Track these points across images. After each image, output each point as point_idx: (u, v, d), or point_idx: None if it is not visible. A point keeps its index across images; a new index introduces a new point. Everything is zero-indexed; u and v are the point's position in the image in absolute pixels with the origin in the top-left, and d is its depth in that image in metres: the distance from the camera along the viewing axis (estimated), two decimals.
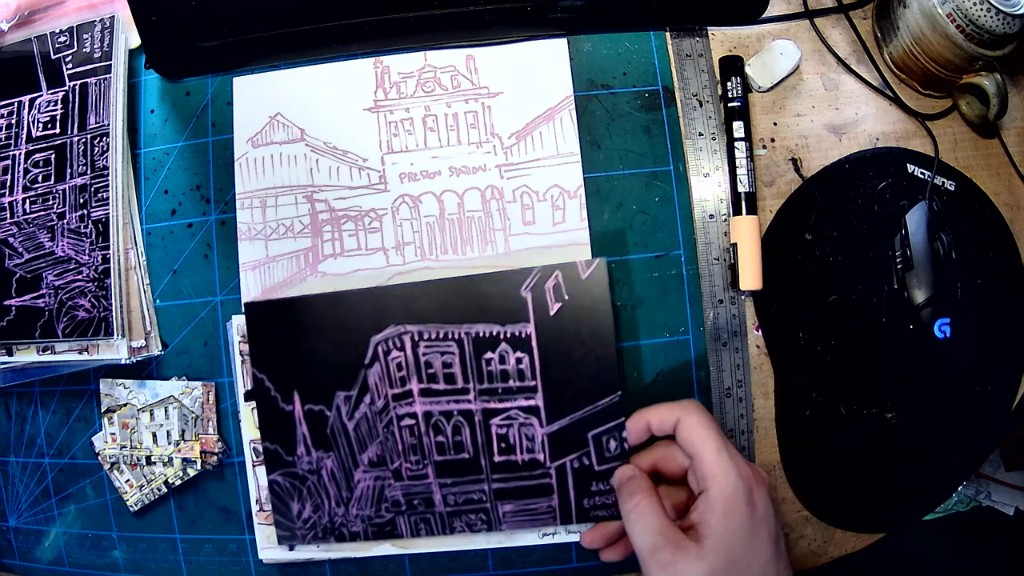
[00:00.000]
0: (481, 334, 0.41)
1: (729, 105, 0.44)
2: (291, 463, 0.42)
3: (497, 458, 0.41)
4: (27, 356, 0.44)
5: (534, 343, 0.40)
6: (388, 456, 0.41)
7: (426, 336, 0.41)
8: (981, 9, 0.40)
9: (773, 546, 0.34)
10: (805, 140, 0.45)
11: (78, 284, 0.43)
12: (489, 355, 0.40)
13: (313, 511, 0.42)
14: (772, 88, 0.45)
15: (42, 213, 0.44)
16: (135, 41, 0.45)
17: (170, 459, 0.44)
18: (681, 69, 0.45)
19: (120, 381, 0.45)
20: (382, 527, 0.42)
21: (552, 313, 0.40)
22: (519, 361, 0.40)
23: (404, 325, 0.41)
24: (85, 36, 0.45)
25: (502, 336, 0.40)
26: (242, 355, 0.43)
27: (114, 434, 0.45)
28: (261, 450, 0.43)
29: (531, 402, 0.40)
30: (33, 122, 0.45)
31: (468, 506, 0.41)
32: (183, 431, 0.44)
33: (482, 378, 0.41)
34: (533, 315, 0.40)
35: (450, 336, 0.41)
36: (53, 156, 0.44)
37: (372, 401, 0.41)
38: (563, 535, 0.43)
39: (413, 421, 0.41)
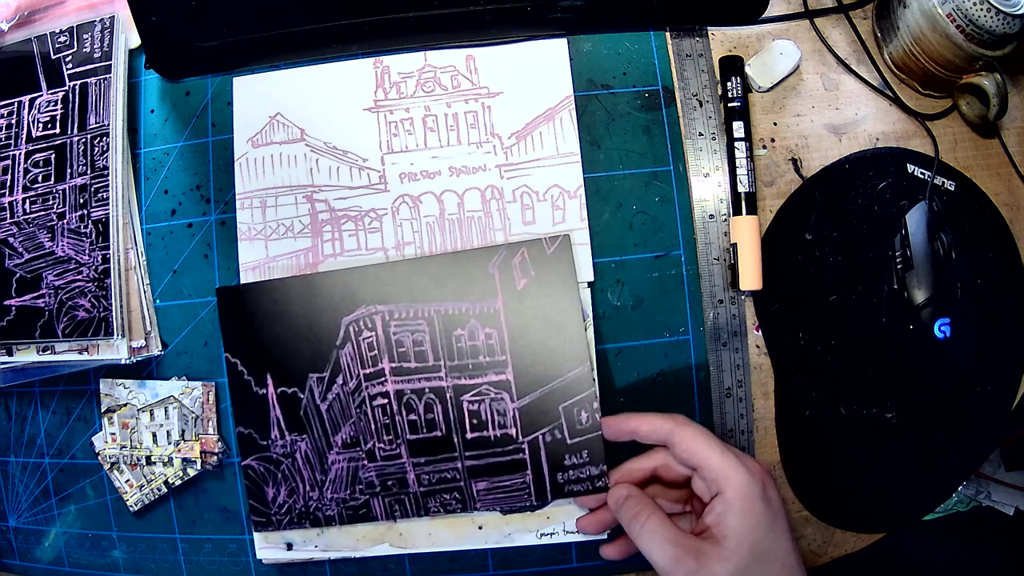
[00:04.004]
0: (450, 311, 0.41)
1: (729, 105, 0.44)
2: (265, 447, 0.42)
3: (469, 435, 0.41)
4: (27, 356, 0.44)
5: (502, 318, 0.41)
6: (361, 436, 0.42)
7: (396, 315, 0.41)
8: (981, 9, 0.40)
9: (790, 536, 0.35)
10: (805, 140, 0.46)
11: (78, 284, 0.43)
12: (459, 332, 0.41)
13: (288, 496, 0.42)
14: (772, 88, 0.45)
15: (42, 213, 0.44)
16: (135, 41, 0.45)
17: (170, 459, 0.44)
18: (681, 69, 0.45)
19: (120, 381, 0.45)
20: (357, 510, 0.42)
21: (519, 288, 0.41)
22: (488, 336, 0.41)
23: (374, 305, 0.41)
24: (85, 36, 0.45)
25: (471, 312, 0.41)
26: None
27: (114, 434, 0.45)
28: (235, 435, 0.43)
29: (501, 377, 0.41)
30: (33, 122, 0.45)
31: (442, 485, 0.42)
32: (183, 431, 0.44)
33: (452, 355, 0.41)
34: (501, 291, 0.41)
35: (420, 314, 0.41)
36: (53, 156, 0.44)
37: (344, 382, 0.42)
38: (562, 535, 0.43)
39: (385, 400, 0.41)
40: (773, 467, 0.44)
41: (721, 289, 0.44)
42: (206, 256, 0.45)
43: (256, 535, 0.44)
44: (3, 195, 0.45)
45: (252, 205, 0.44)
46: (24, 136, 0.45)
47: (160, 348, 0.45)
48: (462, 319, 0.41)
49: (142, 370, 0.45)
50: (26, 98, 0.45)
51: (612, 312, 0.44)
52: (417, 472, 0.42)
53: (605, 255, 0.44)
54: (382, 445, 0.42)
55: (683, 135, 0.45)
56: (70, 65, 0.45)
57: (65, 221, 0.44)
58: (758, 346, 0.44)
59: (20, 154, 0.45)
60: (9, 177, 0.45)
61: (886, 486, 0.45)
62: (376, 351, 0.41)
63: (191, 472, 0.44)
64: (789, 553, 0.35)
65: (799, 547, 0.36)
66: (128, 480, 0.45)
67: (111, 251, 0.43)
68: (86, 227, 0.43)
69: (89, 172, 0.44)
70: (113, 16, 0.45)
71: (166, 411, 0.44)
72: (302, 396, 0.42)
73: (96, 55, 0.45)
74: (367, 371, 0.42)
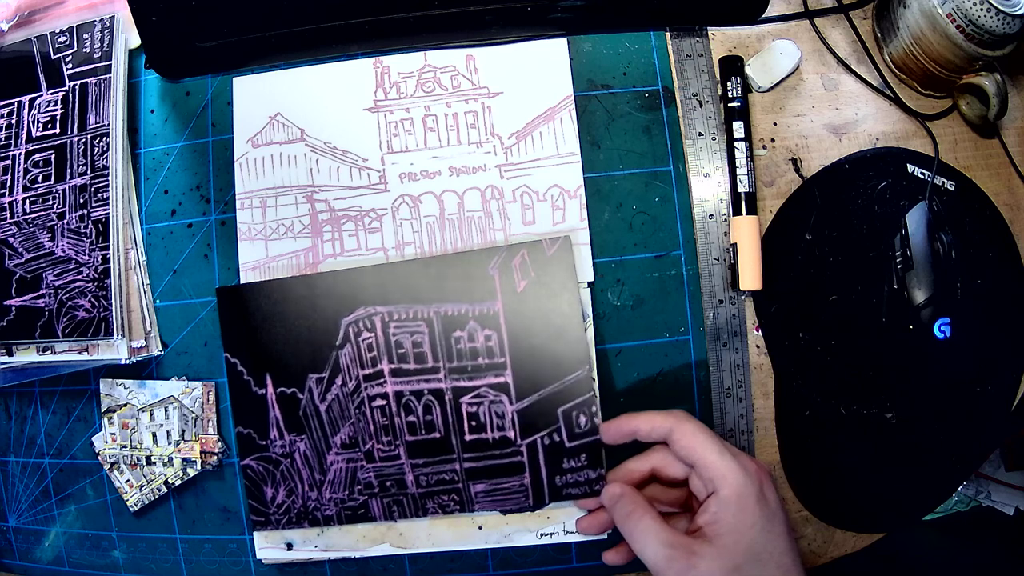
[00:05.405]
0: (450, 312, 0.41)
1: (729, 105, 0.44)
2: (264, 447, 0.42)
3: (468, 437, 0.41)
4: (27, 356, 0.44)
5: (502, 320, 0.41)
6: (360, 437, 0.42)
7: (396, 316, 0.41)
8: (981, 9, 0.40)
9: (787, 536, 0.35)
10: (805, 140, 0.45)
11: (78, 284, 0.43)
12: (458, 333, 0.41)
13: (287, 496, 0.42)
14: (772, 88, 0.45)
15: (42, 213, 0.44)
16: (135, 41, 0.45)
17: (170, 459, 0.44)
18: (681, 69, 0.45)
19: (120, 381, 0.45)
20: (355, 510, 0.42)
21: (519, 290, 0.41)
22: (488, 338, 0.41)
23: (374, 306, 0.41)
24: (85, 36, 0.45)
25: (470, 314, 0.41)
26: None
27: (114, 434, 0.45)
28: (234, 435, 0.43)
29: (500, 379, 0.41)
30: (33, 122, 0.45)
31: (440, 487, 0.42)
32: (183, 431, 0.44)
33: (451, 356, 0.41)
34: (500, 293, 0.41)
35: (419, 315, 0.41)
36: (53, 156, 0.44)
37: (343, 383, 0.42)
38: (562, 535, 0.43)
39: (384, 401, 0.41)
40: (773, 467, 0.44)
41: (721, 289, 0.44)
42: (206, 256, 0.45)
43: (256, 535, 0.44)
44: (3, 195, 0.44)
45: (252, 205, 0.44)
46: (24, 136, 0.45)
47: (160, 348, 0.45)
48: (461, 320, 0.41)
49: (142, 370, 0.45)
50: (26, 98, 0.45)
51: (612, 312, 0.44)
52: (416, 473, 0.42)
53: (605, 255, 0.44)
54: (381, 446, 0.42)
55: (683, 135, 0.45)
56: (70, 65, 0.45)
57: (65, 221, 0.44)
58: (758, 346, 0.44)
59: (20, 154, 0.45)
60: (9, 177, 0.45)
61: (886, 486, 0.45)
62: (375, 352, 0.41)
63: (191, 472, 0.44)
64: (785, 553, 0.34)
65: (798, 547, 0.36)
66: (128, 480, 0.45)
67: (111, 251, 0.43)
68: (86, 227, 0.43)
69: (89, 172, 0.44)
70: (113, 16, 0.45)
71: (166, 411, 0.44)
72: (301, 396, 0.42)
73: (96, 55, 0.45)
74: (366, 372, 0.42)
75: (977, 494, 0.72)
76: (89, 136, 0.44)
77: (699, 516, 0.36)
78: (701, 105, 0.45)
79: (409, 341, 0.41)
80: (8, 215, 0.44)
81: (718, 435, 0.37)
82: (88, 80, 0.45)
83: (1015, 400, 0.45)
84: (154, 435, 0.44)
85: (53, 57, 0.45)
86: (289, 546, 0.43)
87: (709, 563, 0.33)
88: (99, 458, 0.45)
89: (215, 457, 0.44)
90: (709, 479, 0.35)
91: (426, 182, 0.44)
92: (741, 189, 0.43)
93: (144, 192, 0.46)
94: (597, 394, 0.41)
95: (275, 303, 0.42)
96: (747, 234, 0.42)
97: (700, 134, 0.45)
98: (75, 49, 0.45)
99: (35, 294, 0.43)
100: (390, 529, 0.43)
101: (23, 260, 0.44)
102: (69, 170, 0.44)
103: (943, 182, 0.45)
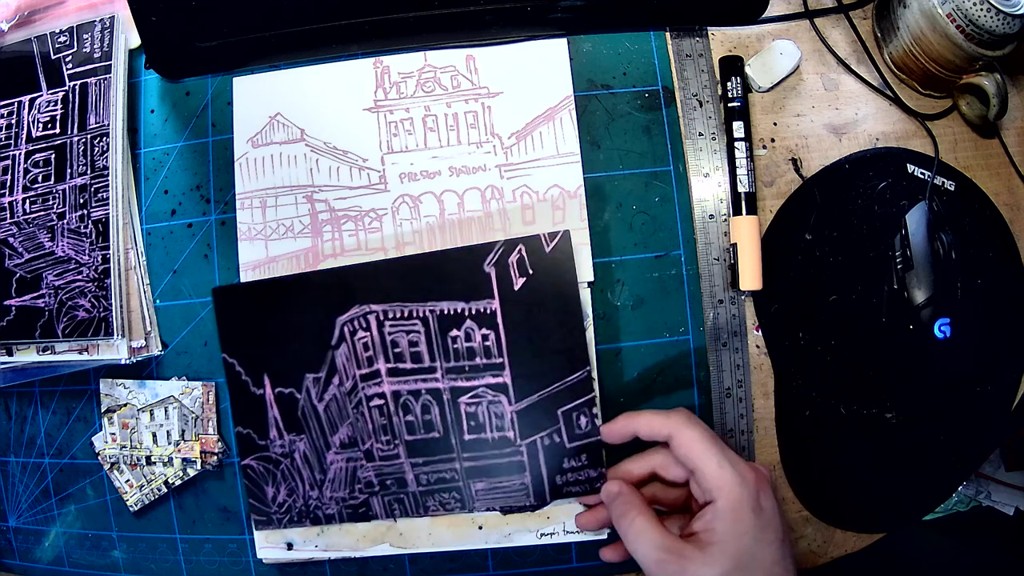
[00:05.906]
0: (446, 311, 0.41)
1: (729, 105, 0.44)
2: (264, 447, 0.42)
3: (467, 436, 0.41)
4: (27, 356, 0.44)
5: (499, 319, 0.40)
6: (359, 437, 0.42)
7: (391, 315, 0.41)
8: (981, 9, 0.40)
9: (779, 545, 0.35)
10: (805, 140, 0.45)
11: (78, 284, 0.43)
12: (455, 332, 0.41)
13: (288, 495, 0.42)
14: (772, 88, 0.45)
15: (42, 213, 0.44)
16: (135, 41, 0.45)
17: (170, 459, 0.44)
18: (681, 69, 0.45)
19: (120, 381, 0.45)
20: (356, 508, 0.42)
21: (517, 288, 0.40)
22: (485, 338, 0.40)
23: (369, 304, 0.41)
24: (85, 36, 0.45)
25: (467, 313, 0.40)
26: None
27: (114, 434, 0.45)
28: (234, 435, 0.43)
29: (499, 379, 0.41)
30: (33, 122, 0.45)
31: (440, 485, 0.42)
32: (183, 431, 0.44)
33: (449, 356, 0.41)
34: (497, 290, 0.40)
35: (415, 314, 0.41)
36: (53, 156, 0.44)
37: (340, 382, 0.42)
38: (562, 535, 0.43)
39: (382, 401, 0.41)
40: (773, 467, 0.44)
41: (721, 289, 0.44)
42: (206, 256, 0.45)
43: (257, 534, 0.44)
44: (3, 195, 0.44)
45: (252, 205, 0.44)
46: (24, 136, 0.45)
47: (160, 348, 0.45)
48: (458, 319, 0.41)
49: (142, 370, 0.45)
50: (26, 98, 0.45)
51: (612, 312, 0.44)
52: (416, 472, 0.42)
53: (605, 255, 0.44)
54: (380, 445, 0.42)
55: (683, 135, 0.45)
56: (70, 65, 0.45)
57: (65, 221, 0.44)
58: (758, 346, 0.44)
59: (20, 154, 0.45)
60: (9, 177, 0.45)
61: (886, 486, 0.45)
62: (372, 352, 0.41)
63: (191, 472, 0.44)
64: (776, 563, 0.35)
65: (794, 554, 0.36)
66: (128, 480, 0.45)
67: (111, 251, 0.43)
68: (86, 227, 0.43)
69: (89, 172, 0.44)
70: (113, 16, 0.45)
71: (166, 411, 0.44)
72: (299, 396, 0.42)
73: (96, 55, 0.45)
74: (363, 372, 0.42)
75: (977, 494, 0.72)
76: (89, 136, 0.44)
77: (695, 521, 0.36)
78: (701, 105, 0.45)
79: (405, 340, 0.41)
80: (8, 215, 0.44)
81: (719, 438, 0.37)
82: (88, 80, 0.45)
83: (1015, 400, 0.45)
84: (154, 435, 0.44)
85: (53, 57, 0.45)
86: (289, 546, 0.43)
87: (699, 568, 0.34)
88: (99, 458, 0.45)
89: (215, 457, 0.44)
90: (707, 489, 0.35)
91: (426, 182, 0.44)
92: (741, 189, 0.43)
93: (144, 192, 0.46)
94: (598, 395, 0.41)
95: (270, 302, 0.42)
96: (747, 234, 0.42)
97: (700, 134, 0.45)
98: (75, 49, 0.45)
99: (35, 294, 0.43)
100: (390, 529, 0.43)
101: (23, 260, 0.44)
102: (69, 170, 0.44)
103: (943, 182, 0.45)
